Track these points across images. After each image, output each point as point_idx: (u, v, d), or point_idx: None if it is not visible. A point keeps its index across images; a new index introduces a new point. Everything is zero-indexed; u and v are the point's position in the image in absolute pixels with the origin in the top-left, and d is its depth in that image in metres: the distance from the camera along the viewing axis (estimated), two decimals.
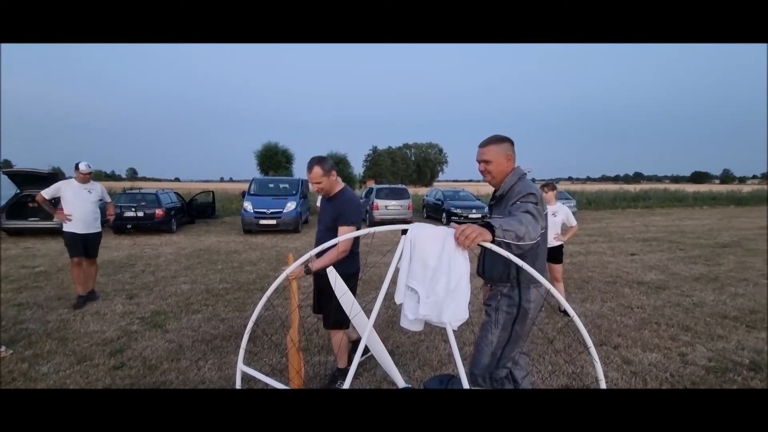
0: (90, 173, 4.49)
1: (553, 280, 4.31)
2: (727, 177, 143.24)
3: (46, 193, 4.34)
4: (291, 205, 10.92)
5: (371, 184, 22.19)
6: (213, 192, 15.40)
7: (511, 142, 1.95)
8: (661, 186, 35.65)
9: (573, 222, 4.39)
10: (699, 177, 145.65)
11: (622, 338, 3.66)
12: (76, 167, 4.41)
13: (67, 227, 4.36)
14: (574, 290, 5.26)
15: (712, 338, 3.65)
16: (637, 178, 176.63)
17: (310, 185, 2.78)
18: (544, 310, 4.37)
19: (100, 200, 4.60)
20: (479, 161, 1.95)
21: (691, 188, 31.23)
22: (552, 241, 4.28)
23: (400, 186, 14.37)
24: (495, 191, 2.02)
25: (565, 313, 4.18)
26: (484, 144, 1.94)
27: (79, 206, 4.36)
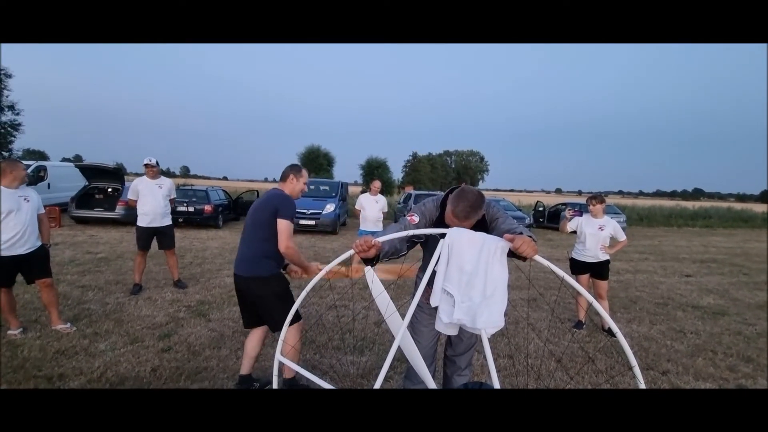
0: (154, 165, 4.80)
1: (597, 297, 4.10)
2: None
3: (132, 196, 4.72)
4: (330, 207, 11.12)
5: (410, 189, 22.22)
6: (258, 191, 16.05)
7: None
8: (724, 204, 32.81)
9: (622, 236, 4.15)
10: None
11: (672, 364, 3.41)
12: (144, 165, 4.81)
13: (140, 221, 4.71)
14: (620, 309, 4.97)
15: None
16: (697, 194, 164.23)
17: (305, 187, 2.78)
18: (586, 328, 4.17)
19: (169, 195, 4.89)
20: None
21: (760, 208, 28.50)
22: (598, 256, 4.09)
23: (439, 193, 14.24)
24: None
25: (609, 332, 3.97)
26: (466, 216, 1.72)
27: (150, 201, 4.70)
